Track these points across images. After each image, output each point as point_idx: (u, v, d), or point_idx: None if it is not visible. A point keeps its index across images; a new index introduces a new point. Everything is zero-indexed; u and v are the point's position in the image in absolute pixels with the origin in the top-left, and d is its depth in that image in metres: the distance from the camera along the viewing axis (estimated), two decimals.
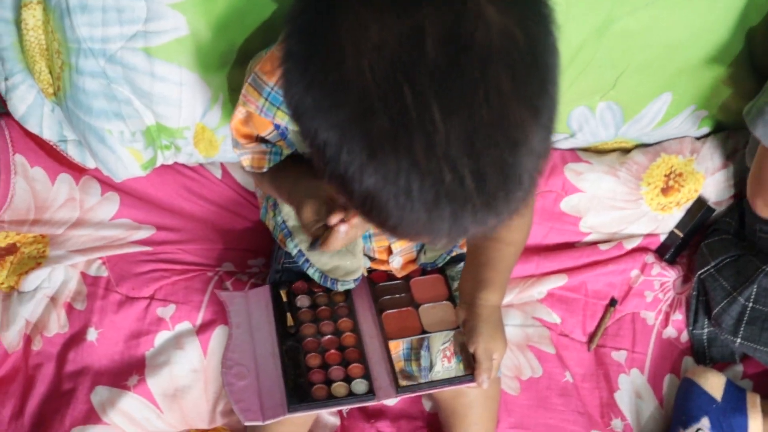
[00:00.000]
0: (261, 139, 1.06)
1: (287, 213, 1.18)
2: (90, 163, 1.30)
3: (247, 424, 1.09)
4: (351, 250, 1.16)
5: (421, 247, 1.21)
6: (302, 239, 1.18)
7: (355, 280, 1.20)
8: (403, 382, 1.11)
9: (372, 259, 1.22)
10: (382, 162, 0.62)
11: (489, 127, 0.61)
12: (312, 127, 0.65)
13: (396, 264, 1.22)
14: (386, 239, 1.17)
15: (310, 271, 1.20)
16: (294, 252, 1.20)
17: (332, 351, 1.16)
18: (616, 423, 1.33)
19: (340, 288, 1.21)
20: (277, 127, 1.02)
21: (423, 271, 1.25)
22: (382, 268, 1.23)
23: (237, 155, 1.07)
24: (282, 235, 1.22)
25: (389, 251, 1.20)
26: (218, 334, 1.27)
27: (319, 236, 0.92)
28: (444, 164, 0.61)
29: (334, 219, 0.88)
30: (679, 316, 1.41)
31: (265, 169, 1.07)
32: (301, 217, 0.96)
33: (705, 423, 1.28)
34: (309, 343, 1.17)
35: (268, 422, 1.07)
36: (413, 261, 1.24)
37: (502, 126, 0.61)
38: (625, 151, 1.42)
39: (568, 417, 1.31)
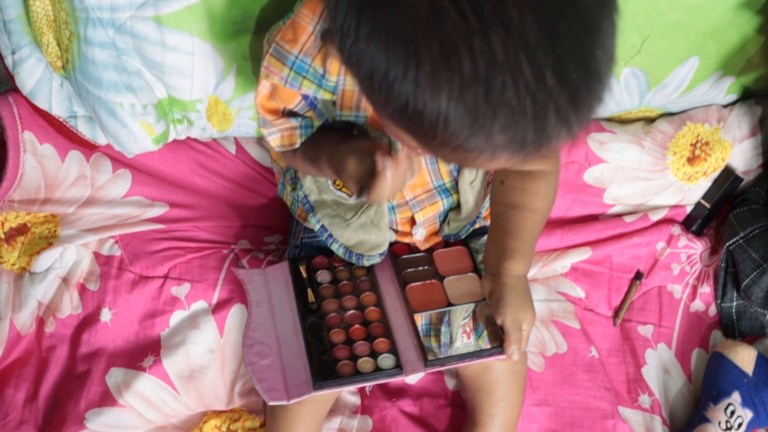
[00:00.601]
0: (289, 113, 1.02)
1: (309, 187, 1.16)
2: (101, 140, 1.28)
3: (271, 404, 1.06)
4: (376, 224, 1.13)
5: (445, 217, 1.18)
6: (325, 214, 1.15)
7: (380, 255, 1.18)
8: (431, 356, 1.09)
9: (395, 231, 1.20)
10: (456, 67, 0.61)
11: (562, 13, 0.61)
12: (367, 51, 0.64)
13: (419, 236, 1.19)
14: (410, 209, 1.14)
15: (334, 247, 1.18)
16: (317, 227, 1.17)
17: (356, 326, 1.14)
18: (644, 399, 1.31)
19: (366, 263, 1.19)
20: (305, 97, 0.99)
21: (446, 243, 1.23)
22: (405, 240, 1.21)
23: (265, 135, 1.04)
24: (303, 210, 1.19)
25: (412, 222, 1.17)
26: (234, 313, 1.26)
27: (365, 185, 0.89)
28: (523, 57, 0.60)
29: (381, 161, 0.85)
30: (707, 289, 1.39)
31: (297, 145, 1.04)
32: (346, 173, 0.93)
33: (736, 398, 1.26)
34: (332, 318, 1.15)
35: (293, 401, 1.05)
36: (436, 233, 1.22)
37: (575, 11, 0.62)
38: (650, 120, 1.40)
39: (595, 393, 1.28)
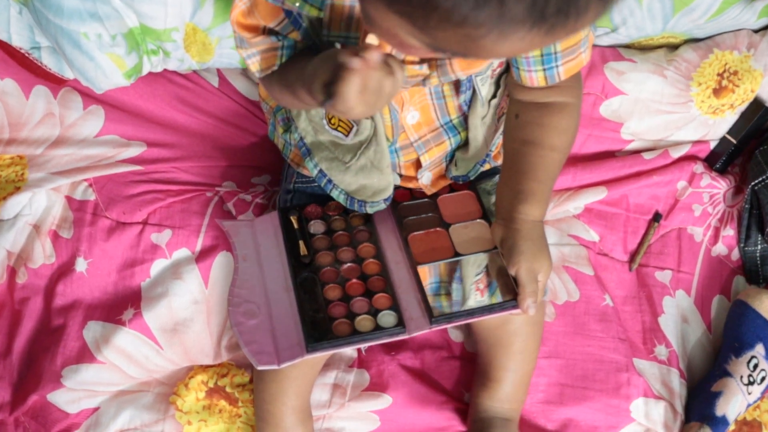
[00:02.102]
0: (270, 31, 0.95)
1: (304, 129, 1.09)
2: (69, 73, 1.26)
3: (260, 368, 1.02)
4: (377, 165, 1.07)
5: (451, 158, 1.13)
6: (323, 157, 1.10)
7: (385, 200, 1.11)
8: (436, 312, 1.04)
9: (399, 176, 1.15)
10: None
11: None
12: None
13: (425, 180, 1.14)
14: (415, 151, 1.08)
15: (334, 193, 1.12)
16: (314, 172, 1.12)
17: (353, 281, 1.09)
18: (660, 350, 1.27)
19: (370, 210, 1.13)
20: (288, 14, 0.92)
21: (451, 188, 1.18)
22: (410, 185, 1.16)
23: (244, 58, 0.98)
24: (298, 153, 1.15)
25: (417, 165, 1.12)
26: (220, 261, 1.22)
27: (330, 88, 0.78)
28: None
29: (343, 55, 0.75)
30: (730, 232, 1.36)
31: (276, 66, 0.97)
32: (315, 81, 0.82)
33: (759, 350, 1.22)
34: (326, 273, 1.10)
35: (284, 365, 1.00)
36: (443, 176, 1.16)
37: None
38: (673, 47, 1.37)
39: (608, 344, 1.25)
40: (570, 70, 0.97)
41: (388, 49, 0.76)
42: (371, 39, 0.75)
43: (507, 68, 1.03)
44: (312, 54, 0.91)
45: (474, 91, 1.02)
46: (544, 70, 0.96)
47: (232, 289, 1.09)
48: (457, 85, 1.01)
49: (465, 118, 1.08)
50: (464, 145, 1.11)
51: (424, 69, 0.93)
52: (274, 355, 1.01)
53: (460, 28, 0.60)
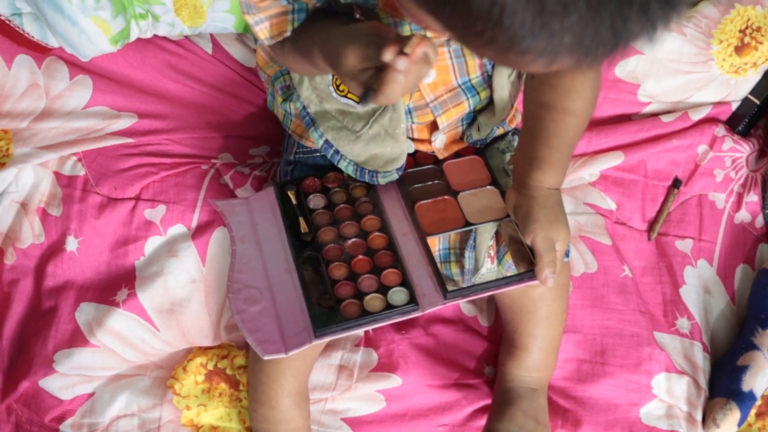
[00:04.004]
0: None
1: (307, 97, 1.05)
2: (53, 41, 1.23)
3: (267, 357, 0.98)
4: (391, 133, 1.03)
5: (472, 120, 1.09)
6: (329, 126, 1.06)
7: (398, 170, 1.08)
8: (451, 286, 1.00)
9: (411, 140, 1.12)
10: None
11: None
12: None
13: (439, 143, 1.10)
14: (431, 112, 1.05)
15: (342, 165, 1.08)
16: (320, 143, 1.08)
17: (360, 257, 1.05)
18: (682, 323, 1.25)
19: (382, 181, 1.09)
20: None
21: (456, 153, 1.15)
22: (422, 148, 1.12)
23: (251, 25, 0.95)
24: (300, 124, 1.12)
25: (432, 128, 1.08)
26: (218, 237, 1.20)
27: (371, 85, 0.77)
28: None
29: (388, 54, 0.74)
30: (753, 198, 1.34)
31: (288, 33, 0.93)
32: (344, 68, 0.80)
33: None
34: (330, 250, 1.06)
35: (292, 353, 0.96)
36: (456, 141, 1.13)
37: None
38: (692, 3, 1.34)
39: (628, 317, 1.23)
40: None
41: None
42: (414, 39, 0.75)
43: None
44: (327, 17, 0.88)
45: None
46: None
47: (231, 275, 1.06)
48: None
49: (486, 77, 1.04)
50: (487, 106, 1.08)
51: None
52: (281, 342, 0.97)
53: (506, 53, 0.61)
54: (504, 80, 1.03)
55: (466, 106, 1.05)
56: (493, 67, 1.02)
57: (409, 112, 1.05)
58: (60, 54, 1.27)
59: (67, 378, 1.15)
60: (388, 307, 0.99)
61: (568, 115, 0.99)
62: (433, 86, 1.02)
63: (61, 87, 1.28)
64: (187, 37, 1.31)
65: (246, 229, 1.10)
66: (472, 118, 1.09)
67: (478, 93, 1.05)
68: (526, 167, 1.00)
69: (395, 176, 1.08)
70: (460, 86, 1.03)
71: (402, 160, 1.07)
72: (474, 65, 1.01)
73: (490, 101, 1.06)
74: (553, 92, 0.98)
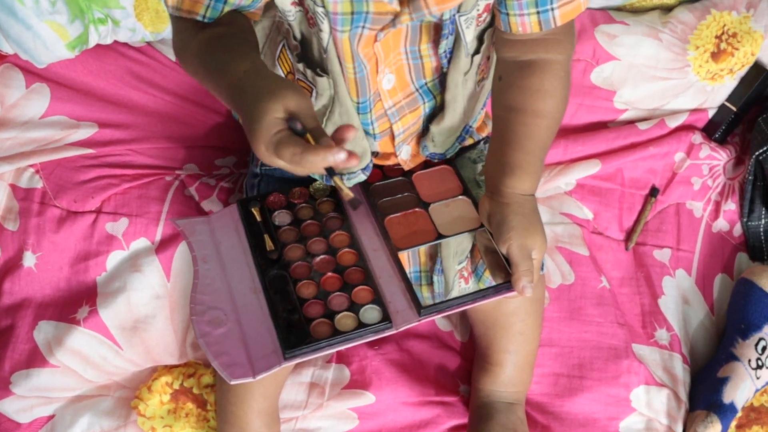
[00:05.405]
0: None
1: None
2: (7, 47, 1.20)
3: (234, 382, 0.95)
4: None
5: (426, 131, 1.07)
6: None
7: (364, 171, 1.07)
8: (425, 302, 0.98)
9: (375, 154, 1.09)
10: None
11: None
12: None
13: (404, 154, 1.09)
14: (388, 120, 1.03)
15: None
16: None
17: (329, 275, 1.03)
18: (661, 334, 1.24)
19: (347, 184, 1.07)
20: None
21: (425, 164, 1.13)
22: (389, 162, 1.11)
23: None
24: None
25: (392, 136, 1.05)
26: (183, 251, 1.19)
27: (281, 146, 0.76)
28: None
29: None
30: (731, 206, 1.34)
31: (198, 16, 0.87)
32: (256, 135, 0.78)
33: None
34: (297, 268, 1.04)
35: (260, 377, 0.93)
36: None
37: None
38: (668, 8, 1.35)
39: (606, 330, 1.22)
40: (567, 15, 0.90)
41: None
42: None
43: (492, 21, 0.96)
44: (250, 39, 0.86)
45: (456, 39, 0.95)
46: (539, 12, 0.89)
47: (194, 296, 1.03)
48: (437, 30, 0.93)
49: (442, 80, 1.02)
50: (439, 112, 1.05)
51: (394, 4, 0.85)
52: (248, 366, 0.94)
53: None
54: (459, 77, 1.00)
55: (422, 110, 1.04)
56: (449, 62, 1.00)
57: (371, 123, 1.03)
58: (15, 61, 1.26)
59: (25, 400, 1.13)
60: (361, 325, 0.97)
61: (539, 117, 0.97)
62: (392, 92, 1.00)
63: (17, 96, 1.27)
64: (149, 43, 1.31)
65: (208, 248, 1.08)
66: (425, 128, 1.07)
67: (434, 96, 1.03)
68: (498, 174, 0.98)
69: (362, 177, 1.07)
70: (417, 90, 1.02)
71: (366, 159, 1.06)
72: (430, 67, 1.00)
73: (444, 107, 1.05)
74: (521, 94, 0.96)
